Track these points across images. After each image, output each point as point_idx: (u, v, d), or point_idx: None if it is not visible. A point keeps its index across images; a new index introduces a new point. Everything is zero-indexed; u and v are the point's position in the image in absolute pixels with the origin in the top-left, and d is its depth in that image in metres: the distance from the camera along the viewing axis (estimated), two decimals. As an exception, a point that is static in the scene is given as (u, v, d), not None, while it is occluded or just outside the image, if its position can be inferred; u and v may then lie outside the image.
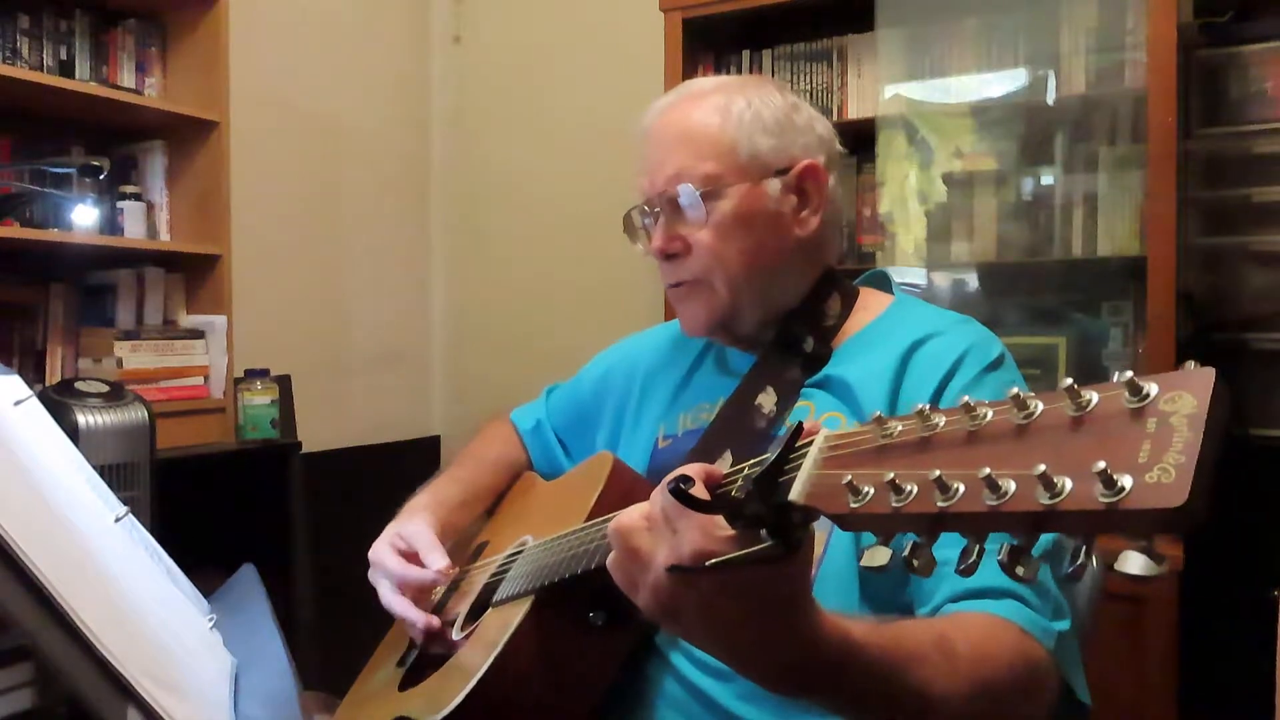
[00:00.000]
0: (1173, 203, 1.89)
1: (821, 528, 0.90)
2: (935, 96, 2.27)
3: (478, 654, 0.94)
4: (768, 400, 1.03)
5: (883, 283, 1.15)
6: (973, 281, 2.29)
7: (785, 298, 1.07)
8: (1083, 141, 2.11)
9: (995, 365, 0.98)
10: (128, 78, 2.33)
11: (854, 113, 2.39)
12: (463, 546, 1.24)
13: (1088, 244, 2.09)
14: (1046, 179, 2.18)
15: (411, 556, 1.11)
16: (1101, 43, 2.09)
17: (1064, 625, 0.84)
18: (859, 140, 2.32)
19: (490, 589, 1.06)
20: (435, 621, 1.07)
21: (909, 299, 1.12)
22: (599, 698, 0.96)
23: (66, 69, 2.23)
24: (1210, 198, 2.14)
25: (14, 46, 2.14)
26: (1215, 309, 2.11)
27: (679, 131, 1.05)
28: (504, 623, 0.94)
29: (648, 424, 1.16)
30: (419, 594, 1.11)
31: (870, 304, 1.09)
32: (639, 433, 1.17)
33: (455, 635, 1.05)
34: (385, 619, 1.18)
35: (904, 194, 2.29)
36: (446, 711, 0.88)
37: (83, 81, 2.22)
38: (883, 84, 2.32)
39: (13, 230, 2.05)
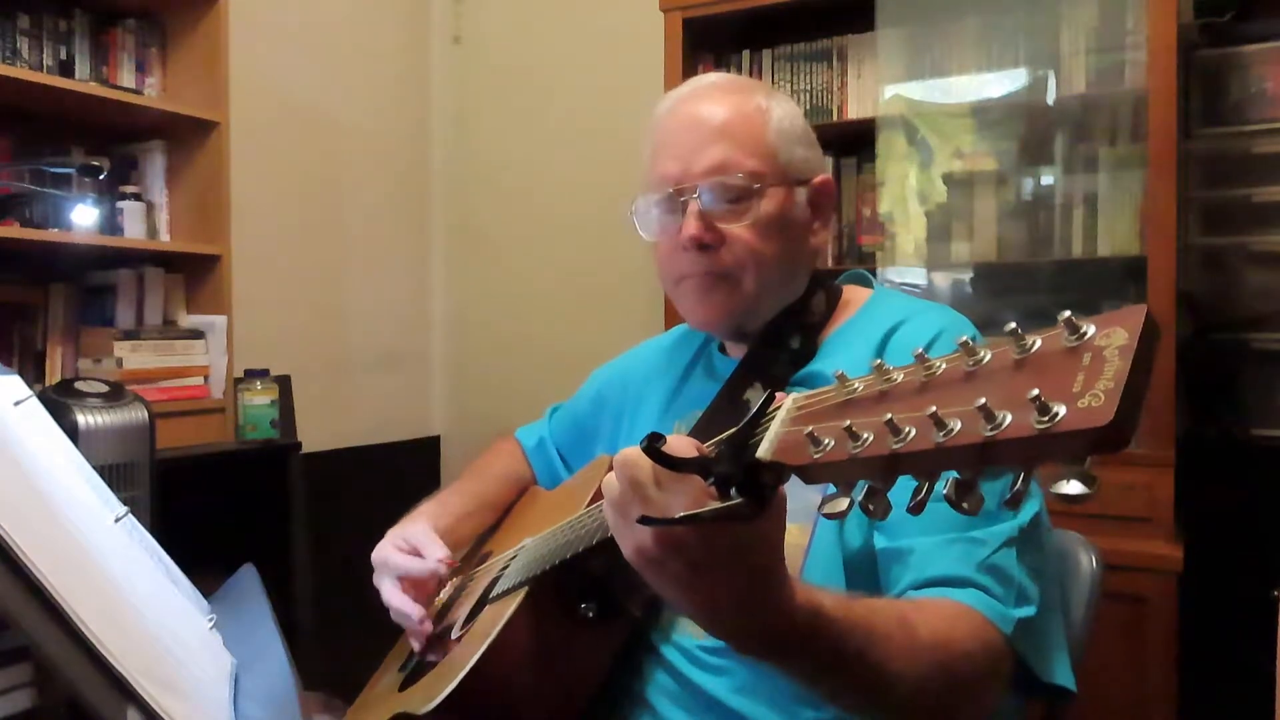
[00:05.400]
0: (1173, 203, 1.89)
1: (807, 519, 0.92)
2: (935, 96, 2.27)
3: (471, 646, 0.94)
4: (755, 395, 1.04)
5: (863, 281, 1.17)
6: (973, 282, 2.29)
7: (788, 300, 1.09)
8: (1083, 141, 2.11)
9: None
10: (128, 78, 2.33)
11: (854, 113, 2.39)
12: (469, 557, 1.25)
13: (1088, 244, 2.09)
14: (1046, 179, 2.18)
15: (413, 554, 1.12)
16: (1101, 43, 2.09)
17: (1027, 611, 0.85)
18: (859, 140, 2.32)
19: (489, 589, 1.07)
20: (429, 625, 1.07)
21: (886, 291, 1.14)
22: (592, 690, 0.96)
23: (66, 69, 2.23)
24: (1210, 198, 2.14)
25: (14, 46, 2.14)
26: (1215, 309, 2.11)
27: (721, 122, 1.03)
28: (497, 615, 0.95)
29: (643, 431, 1.17)
30: (420, 591, 1.11)
31: (852, 300, 1.12)
32: (634, 440, 1.17)
33: (454, 634, 1.05)
34: (386, 620, 1.18)
35: (904, 194, 2.29)
36: (438, 700, 0.88)
37: (83, 81, 2.22)
38: (883, 84, 2.32)
39: (13, 230, 2.05)
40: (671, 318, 1.19)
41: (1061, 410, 0.44)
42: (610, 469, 1.04)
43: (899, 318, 1.02)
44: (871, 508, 0.53)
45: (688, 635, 0.97)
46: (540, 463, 1.35)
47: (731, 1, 2.40)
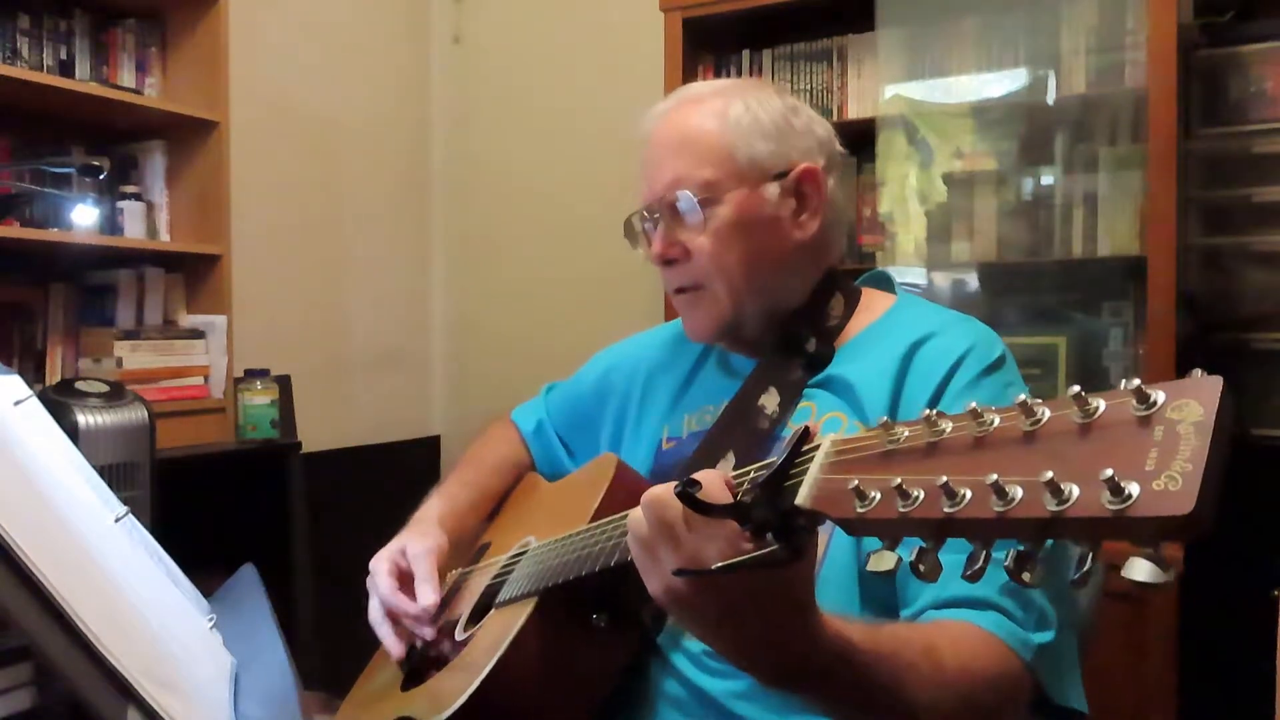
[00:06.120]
0: (1173, 203, 1.89)
1: (824, 529, 0.91)
2: (935, 96, 2.27)
3: (481, 655, 0.94)
4: (770, 401, 1.03)
5: (884, 283, 1.15)
6: (973, 281, 2.29)
7: (787, 300, 1.07)
8: (1083, 141, 2.11)
9: (996, 366, 0.98)
10: (128, 78, 2.33)
11: (854, 113, 2.39)
12: (466, 547, 1.24)
13: (1088, 244, 2.09)
14: (1046, 179, 2.18)
15: (407, 578, 1.09)
16: (1101, 43, 2.09)
17: (1046, 637, 0.85)
18: (859, 140, 2.32)
19: (493, 590, 1.06)
20: (433, 629, 1.06)
21: (912, 298, 1.12)
22: (602, 699, 0.96)
23: (66, 69, 2.23)
24: (1210, 198, 2.13)
25: (14, 46, 2.14)
26: (1215, 309, 2.11)
27: (677, 137, 1.05)
28: (507, 624, 0.94)
29: (651, 425, 1.16)
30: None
31: (873, 304, 1.09)
32: (642, 434, 1.17)
33: (459, 636, 1.05)
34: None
35: (904, 194, 2.29)
36: (450, 711, 0.88)
37: (83, 81, 2.21)
38: (883, 84, 2.32)
39: (13, 230, 2.05)
40: (671, 317, 1.19)
41: (1135, 490, 0.42)
42: (616, 467, 1.04)
43: (926, 330, 1.00)
44: (923, 568, 0.51)
45: (695, 640, 0.96)
46: (539, 447, 1.33)
47: (731, 1, 2.40)
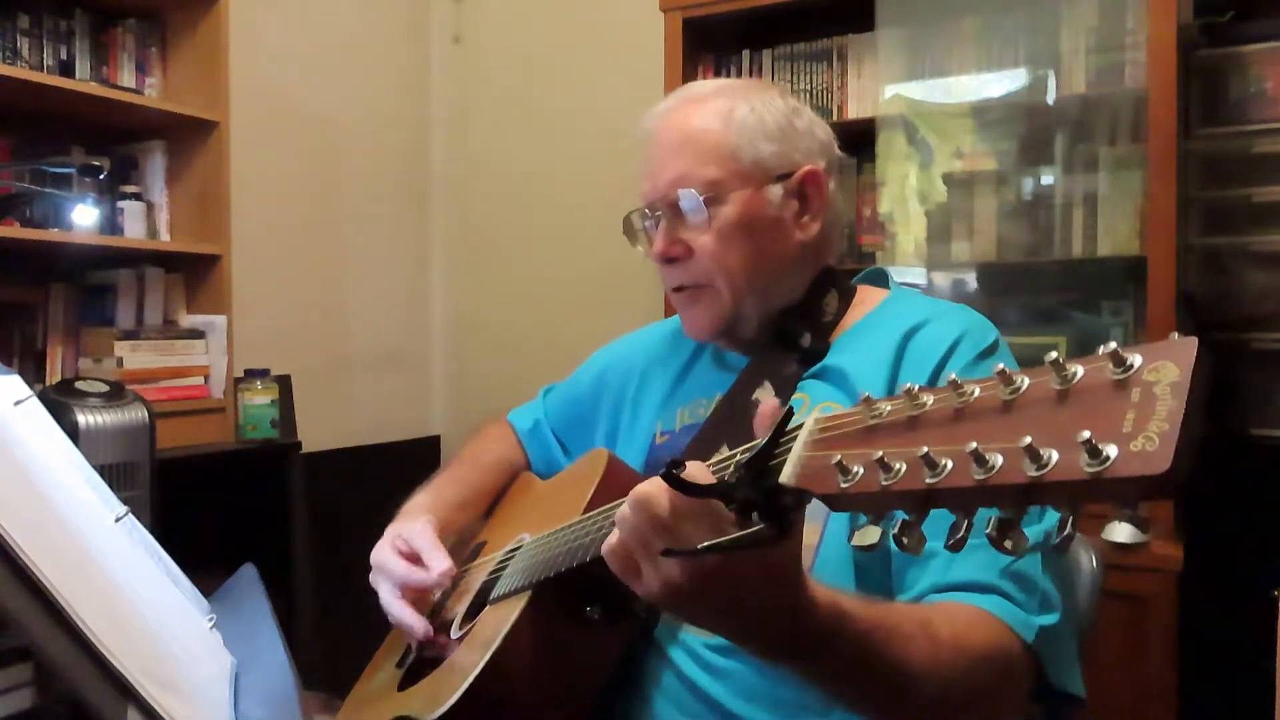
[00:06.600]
0: (1173, 203, 1.89)
1: (817, 518, 0.91)
2: (935, 96, 2.27)
3: (475, 651, 0.94)
4: (765, 395, 1.03)
5: (880, 279, 1.16)
6: (973, 281, 2.29)
7: (785, 298, 1.08)
8: (1083, 141, 2.11)
9: (990, 351, 0.98)
10: (128, 78, 2.33)
11: (854, 113, 2.39)
12: (461, 547, 1.24)
13: (1088, 244, 2.09)
14: (1046, 179, 2.18)
15: (413, 558, 1.10)
16: (1101, 43, 2.09)
17: (1050, 619, 0.85)
18: (859, 140, 2.32)
19: (488, 587, 1.06)
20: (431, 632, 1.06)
21: (905, 291, 1.13)
22: (597, 692, 0.96)
23: (66, 69, 2.23)
24: (1210, 198, 2.14)
25: (14, 46, 2.14)
26: (1215, 309, 2.11)
27: (681, 136, 1.05)
28: (501, 619, 0.94)
29: (645, 419, 1.17)
30: (420, 596, 1.10)
31: (868, 299, 1.10)
32: (636, 428, 1.17)
33: (454, 634, 1.05)
34: (385, 620, 1.18)
35: (904, 194, 2.29)
36: (444, 708, 0.88)
37: (83, 81, 2.22)
38: (883, 84, 2.32)
39: (13, 230, 2.05)
40: (670, 316, 1.19)
41: (1112, 452, 0.42)
42: (607, 461, 1.04)
43: (920, 318, 1.00)
44: (906, 541, 0.51)
45: (693, 634, 0.96)
46: (534, 447, 1.33)
47: (731, 1, 2.40)
